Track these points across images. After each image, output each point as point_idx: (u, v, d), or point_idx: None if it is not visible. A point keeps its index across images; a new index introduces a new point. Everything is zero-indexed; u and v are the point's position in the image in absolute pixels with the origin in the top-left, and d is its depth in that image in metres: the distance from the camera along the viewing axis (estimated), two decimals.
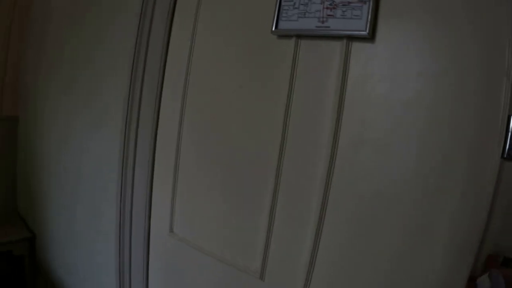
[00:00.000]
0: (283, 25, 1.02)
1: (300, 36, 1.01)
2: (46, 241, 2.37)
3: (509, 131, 0.76)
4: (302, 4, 1.00)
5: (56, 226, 2.23)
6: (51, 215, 2.28)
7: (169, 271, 1.42)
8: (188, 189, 1.32)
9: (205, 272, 1.27)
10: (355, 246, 0.93)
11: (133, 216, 1.53)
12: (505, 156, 0.77)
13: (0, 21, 2.42)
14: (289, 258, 1.03)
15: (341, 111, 0.95)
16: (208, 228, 1.25)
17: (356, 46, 0.94)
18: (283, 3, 1.02)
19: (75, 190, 2.00)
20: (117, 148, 1.56)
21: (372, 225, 0.90)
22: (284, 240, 1.04)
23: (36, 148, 2.42)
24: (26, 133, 2.57)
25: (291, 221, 1.02)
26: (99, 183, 1.76)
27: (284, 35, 1.04)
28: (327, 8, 0.96)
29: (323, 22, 0.97)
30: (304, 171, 1.00)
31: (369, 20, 0.90)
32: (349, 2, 0.93)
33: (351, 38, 0.94)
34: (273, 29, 1.04)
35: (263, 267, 1.09)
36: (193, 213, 1.30)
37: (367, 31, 0.90)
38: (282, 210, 1.04)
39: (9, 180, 2.67)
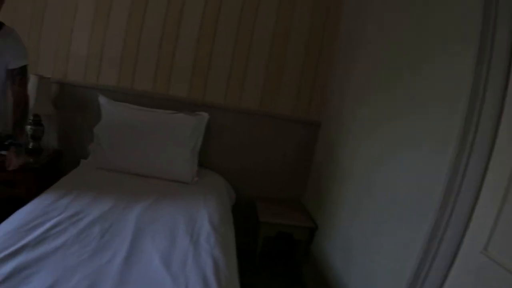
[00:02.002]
0: None
1: None
2: (326, 235, 2.64)
3: None
4: None
5: (340, 225, 2.44)
6: (336, 214, 2.51)
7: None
8: None
9: None
10: None
11: (447, 230, 1.52)
12: None
13: (314, 37, 2.87)
14: None
15: None
16: None
17: None
18: None
19: (367, 197, 2.14)
20: (442, 166, 1.57)
21: None
22: None
23: (333, 152, 2.73)
24: (325, 137, 2.96)
25: None
26: (409, 196, 1.80)
27: None
28: None
29: None
30: None
31: None
32: None
33: None
34: None
35: None
36: None
37: None
38: None
39: (304, 175, 3.14)
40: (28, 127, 2.69)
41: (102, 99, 2.75)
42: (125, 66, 2.84)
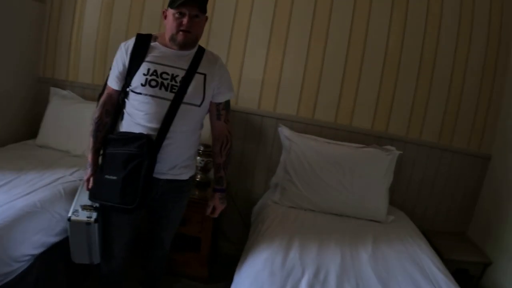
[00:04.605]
0: None
1: None
2: (502, 271, 2.53)
3: None
4: None
5: None
6: None
7: None
8: None
9: None
10: None
11: None
12: None
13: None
14: None
15: None
16: None
17: None
18: None
19: None
20: None
21: None
22: None
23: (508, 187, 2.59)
24: (498, 170, 2.78)
25: None
26: None
27: None
28: None
29: None
30: None
31: None
32: None
33: None
34: None
35: None
36: None
37: None
38: None
39: (470, 208, 2.92)
40: (199, 158, 2.51)
41: (283, 130, 2.57)
42: (305, 95, 2.66)
